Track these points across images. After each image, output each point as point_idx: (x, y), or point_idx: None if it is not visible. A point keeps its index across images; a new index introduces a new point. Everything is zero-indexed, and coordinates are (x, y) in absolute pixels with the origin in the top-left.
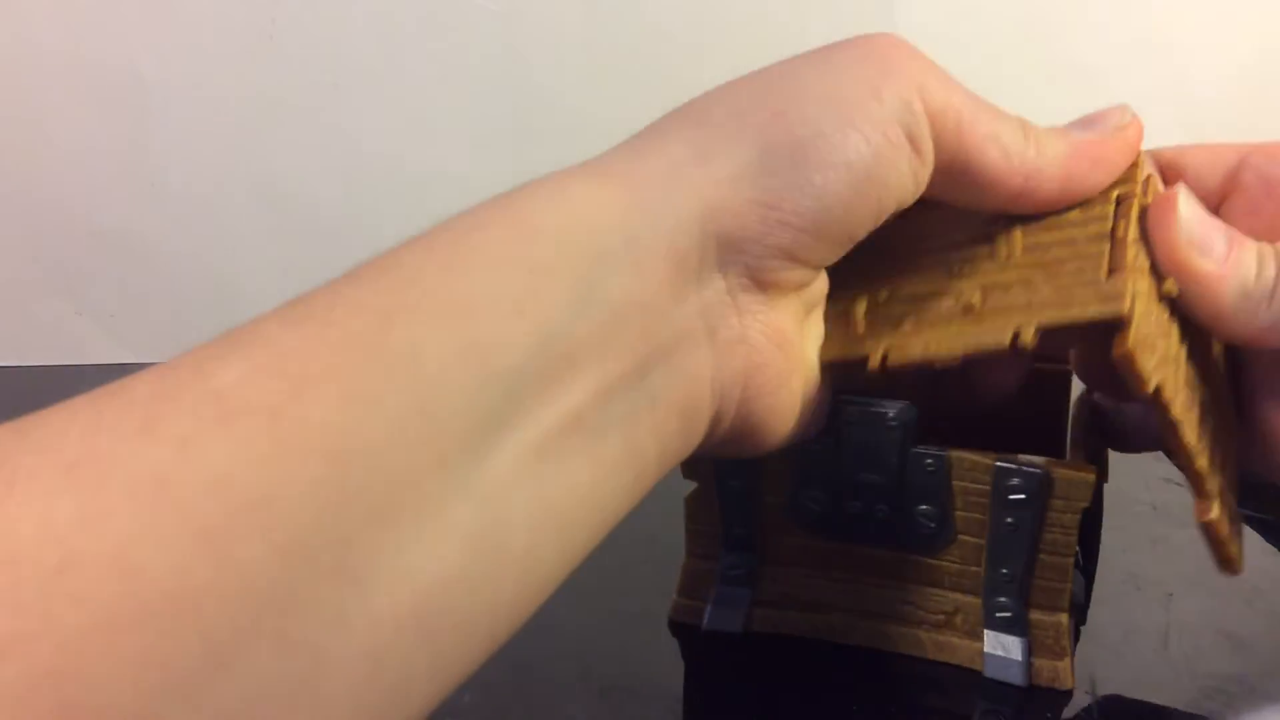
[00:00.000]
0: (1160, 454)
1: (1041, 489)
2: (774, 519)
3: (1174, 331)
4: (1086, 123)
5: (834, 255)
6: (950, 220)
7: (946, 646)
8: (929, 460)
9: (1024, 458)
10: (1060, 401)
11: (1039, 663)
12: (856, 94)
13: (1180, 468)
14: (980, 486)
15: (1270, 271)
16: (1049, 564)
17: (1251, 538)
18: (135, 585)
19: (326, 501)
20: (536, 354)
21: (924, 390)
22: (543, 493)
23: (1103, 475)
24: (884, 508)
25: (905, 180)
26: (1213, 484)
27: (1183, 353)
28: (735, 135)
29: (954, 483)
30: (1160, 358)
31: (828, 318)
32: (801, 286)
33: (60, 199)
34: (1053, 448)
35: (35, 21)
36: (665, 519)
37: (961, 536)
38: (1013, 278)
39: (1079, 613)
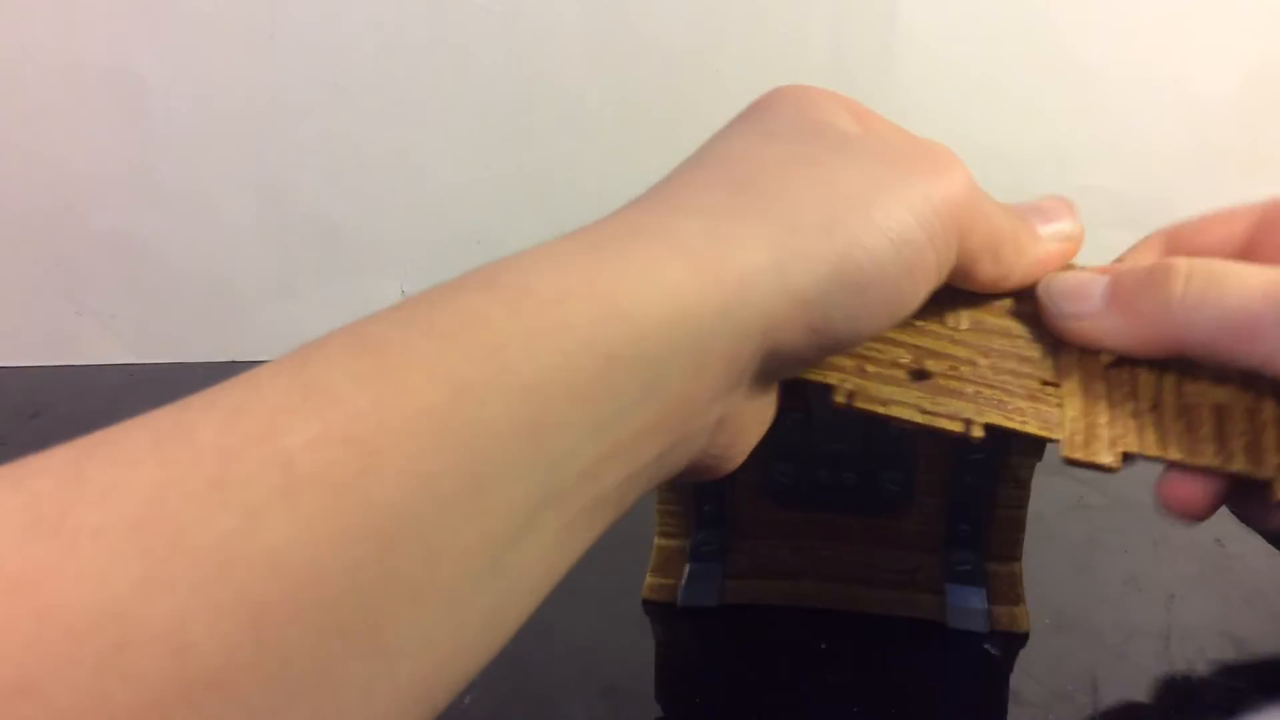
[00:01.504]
0: None
1: (999, 447)
2: (745, 494)
3: (1142, 378)
4: (1042, 215)
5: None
6: None
7: (911, 602)
8: (894, 427)
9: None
10: None
11: (997, 609)
12: (918, 237)
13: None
14: (941, 449)
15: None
16: (1004, 517)
17: (1252, 538)
18: (186, 664)
19: (370, 583)
20: (590, 441)
21: None
22: (554, 563)
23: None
24: (851, 476)
25: (919, 300)
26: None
27: (1167, 382)
28: (816, 253)
29: (918, 447)
30: (1123, 423)
31: None
32: None
33: (60, 199)
34: None
35: (35, 22)
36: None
37: (923, 498)
38: (960, 354)
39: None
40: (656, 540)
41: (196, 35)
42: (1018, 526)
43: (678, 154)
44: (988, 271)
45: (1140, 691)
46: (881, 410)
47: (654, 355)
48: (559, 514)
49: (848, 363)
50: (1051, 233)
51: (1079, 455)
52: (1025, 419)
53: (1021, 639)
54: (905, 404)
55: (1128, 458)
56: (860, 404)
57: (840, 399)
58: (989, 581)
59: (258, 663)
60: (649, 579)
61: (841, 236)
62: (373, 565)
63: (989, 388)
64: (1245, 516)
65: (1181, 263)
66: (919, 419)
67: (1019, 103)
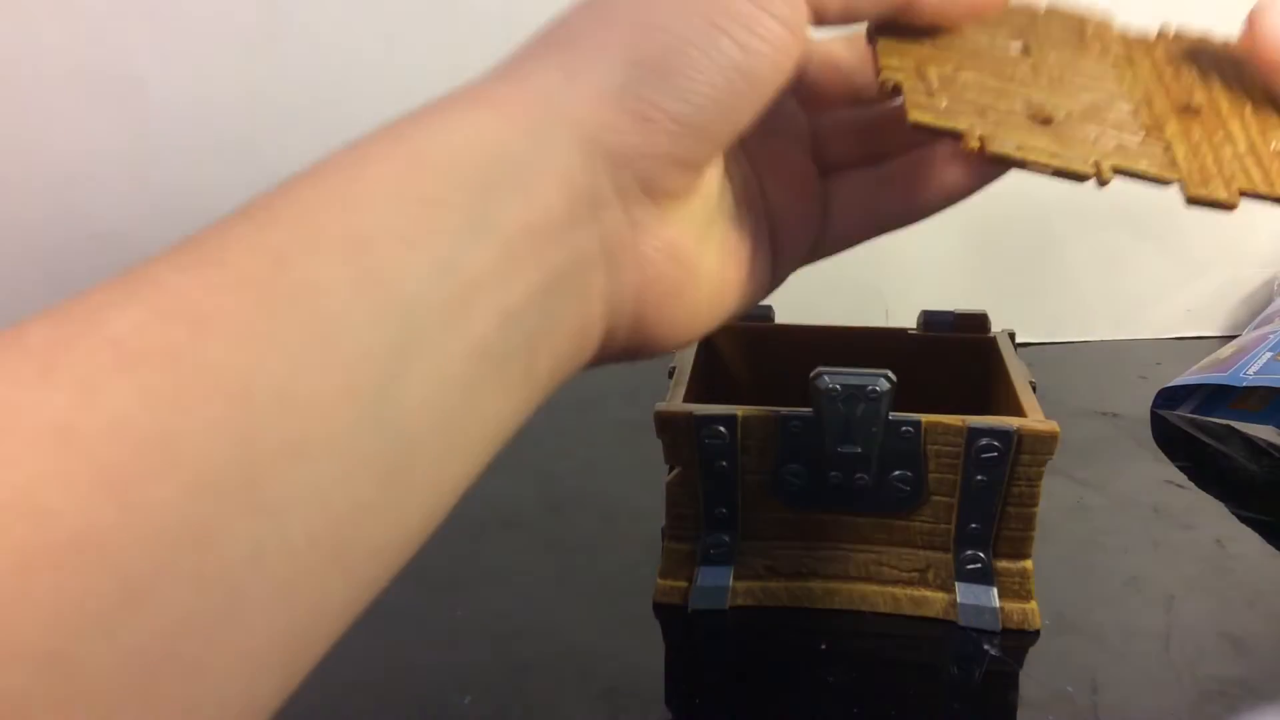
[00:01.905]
0: (1160, 457)
1: (1011, 446)
2: (755, 496)
3: (1232, 125)
4: None
5: (719, 151)
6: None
7: (922, 601)
8: (906, 427)
9: (994, 418)
10: (988, 366)
11: (1008, 607)
12: None
13: None
14: (952, 448)
15: None
16: (1015, 515)
17: (1252, 539)
18: (44, 528)
19: (232, 439)
20: (435, 284)
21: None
22: (450, 421)
23: None
24: (863, 476)
25: (782, 66)
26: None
27: (1254, 127)
28: (601, 53)
29: (928, 447)
30: (1230, 165)
31: (894, 71)
32: (693, 192)
33: (60, 199)
34: (980, 408)
35: (36, 23)
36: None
37: (934, 497)
38: (1063, 101)
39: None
40: (666, 543)
41: (196, 35)
42: (1028, 524)
43: None
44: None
45: (1140, 691)
46: (1015, 155)
47: (471, 192)
48: (432, 360)
49: (967, 110)
50: None
51: (1201, 193)
52: (1143, 162)
53: (1032, 637)
54: (1037, 148)
55: (1245, 195)
56: (994, 148)
57: (973, 144)
58: (999, 579)
59: (124, 523)
60: (659, 583)
61: (623, 29)
62: (228, 423)
63: (1112, 128)
64: None
65: None
66: (1051, 166)
67: None
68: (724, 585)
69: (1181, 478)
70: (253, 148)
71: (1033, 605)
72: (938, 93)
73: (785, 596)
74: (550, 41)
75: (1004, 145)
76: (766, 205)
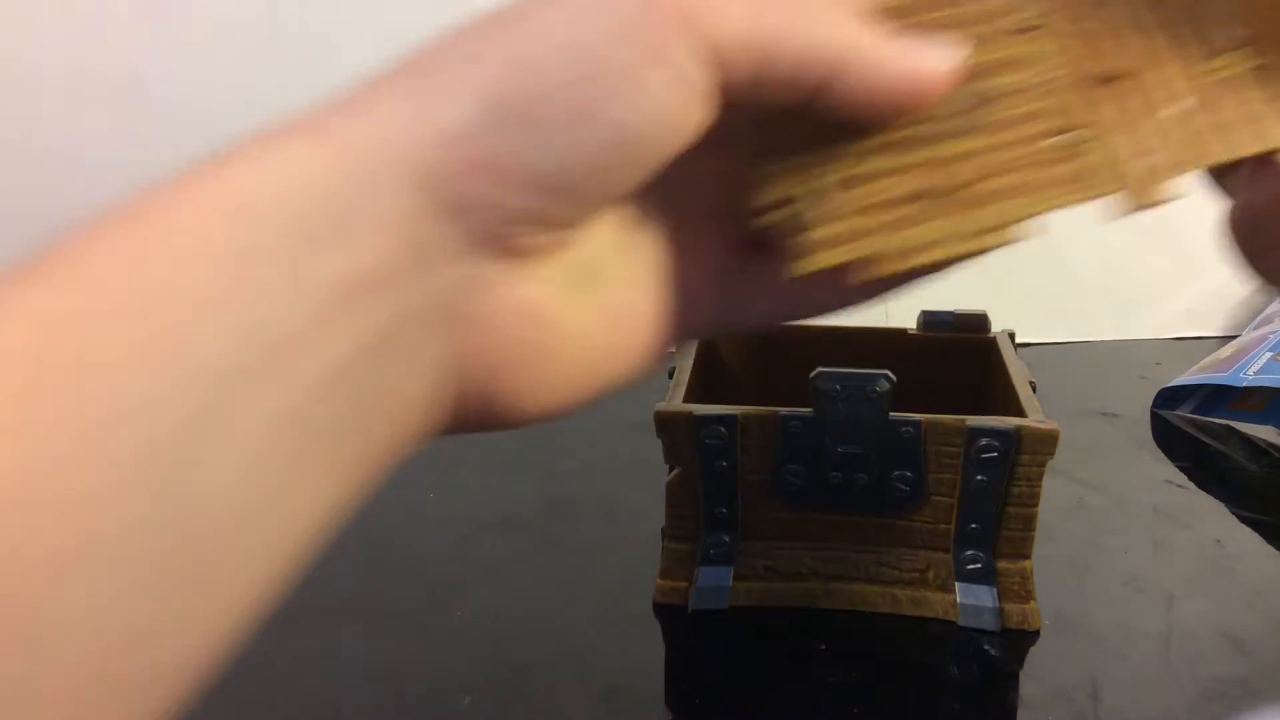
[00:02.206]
0: (1160, 457)
1: (1011, 446)
2: (755, 496)
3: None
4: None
5: (590, 213)
6: None
7: (922, 601)
8: (906, 427)
9: (994, 418)
10: (987, 366)
11: (1008, 607)
12: (604, 37)
13: None
14: (952, 448)
15: None
16: (1015, 515)
17: (1252, 539)
18: None
19: None
20: (240, 349)
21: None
22: (258, 510)
23: None
24: (862, 476)
25: (674, 131)
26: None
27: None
28: (460, 87)
29: (928, 447)
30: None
31: (777, 192)
32: (561, 248)
33: (60, 199)
34: (980, 408)
35: (36, 23)
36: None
37: (934, 497)
38: (974, 146)
39: None
40: (666, 544)
41: (196, 36)
42: (1028, 525)
43: None
44: (795, 60)
45: (1140, 691)
46: (915, 263)
47: (286, 241)
48: (235, 438)
49: (875, 223)
50: (928, 57)
51: (1136, 201)
52: (1067, 190)
53: (1032, 637)
54: (938, 242)
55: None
56: (888, 269)
57: (870, 273)
58: (999, 579)
59: None
60: (659, 583)
61: (490, 63)
62: None
63: (1012, 171)
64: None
65: None
66: (959, 252)
67: None
68: (724, 585)
69: (1181, 478)
70: None
71: (1033, 605)
72: (835, 216)
73: (785, 597)
74: (409, 68)
75: (906, 260)
76: (674, 271)
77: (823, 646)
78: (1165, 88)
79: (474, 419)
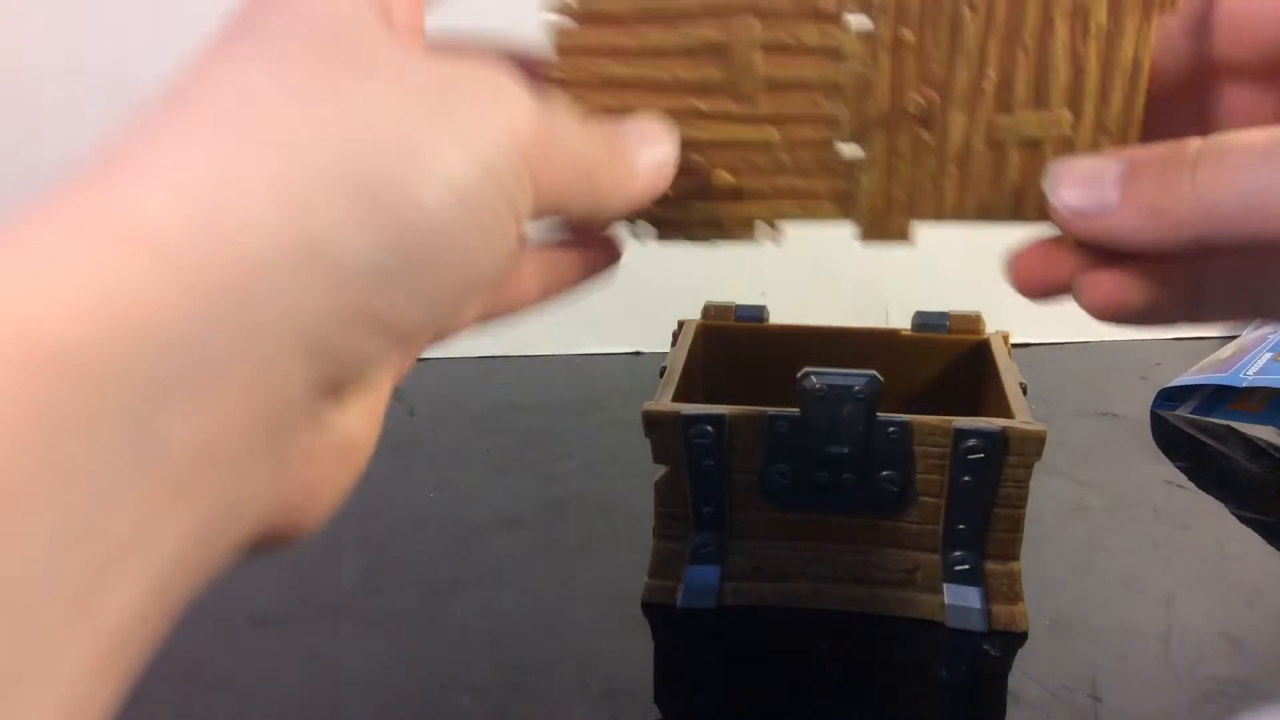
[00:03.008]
0: (1160, 457)
1: (998, 447)
2: (743, 496)
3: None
4: (638, 136)
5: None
6: None
7: (909, 602)
8: (892, 428)
9: (981, 419)
10: (981, 367)
11: (996, 609)
12: (483, 185)
13: None
14: (939, 449)
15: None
16: (1003, 516)
17: (1252, 539)
18: None
19: None
20: (60, 567)
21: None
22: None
23: None
24: (850, 476)
25: (504, 263)
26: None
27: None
28: (355, 224)
29: (915, 447)
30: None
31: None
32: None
33: None
34: (972, 409)
35: (35, 24)
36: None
37: (922, 498)
38: (754, 137)
39: None
40: (655, 543)
41: (196, 35)
42: (1016, 526)
43: None
44: (580, 209)
45: (1140, 691)
46: (680, 238)
47: (122, 401)
48: (42, 695)
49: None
50: (650, 160)
51: (875, 236)
52: (820, 203)
53: (1020, 638)
54: (698, 224)
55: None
56: (664, 236)
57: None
58: (987, 581)
59: None
60: (648, 581)
61: (389, 195)
62: None
63: (784, 174)
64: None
65: (1193, 145)
66: (714, 237)
67: None
68: (712, 585)
69: (1181, 478)
70: None
71: (1020, 607)
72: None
73: (773, 596)
74: (262, 142)
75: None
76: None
77: (810, 646)
78: (959, 133)
79: (259, 551)
